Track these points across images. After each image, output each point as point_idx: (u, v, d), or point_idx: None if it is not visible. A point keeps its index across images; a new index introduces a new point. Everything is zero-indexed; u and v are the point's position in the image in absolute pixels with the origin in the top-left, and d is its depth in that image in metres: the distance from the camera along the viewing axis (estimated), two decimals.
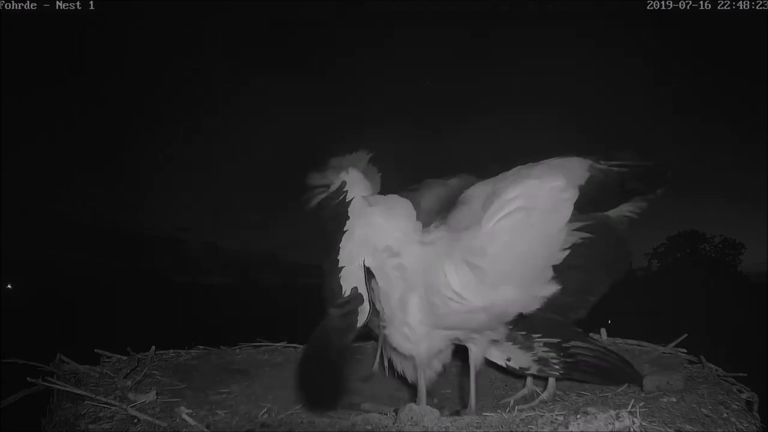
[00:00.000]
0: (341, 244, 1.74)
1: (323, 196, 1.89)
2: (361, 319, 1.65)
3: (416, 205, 1.81)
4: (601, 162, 1.67)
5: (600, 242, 1.64)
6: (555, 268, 1.51)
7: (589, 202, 1.64)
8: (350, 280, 1.69)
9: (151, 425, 1.40)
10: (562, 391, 1.89)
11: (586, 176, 1.63)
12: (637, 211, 1.77)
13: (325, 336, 1.61)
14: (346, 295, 1.66)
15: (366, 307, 1.67)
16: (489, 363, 1.92)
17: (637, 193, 1.74)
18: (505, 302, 1.49)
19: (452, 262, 1.51)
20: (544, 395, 1.85)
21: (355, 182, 1.83)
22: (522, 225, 1.40)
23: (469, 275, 1.47)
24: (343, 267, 1.70)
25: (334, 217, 1.82)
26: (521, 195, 1.41)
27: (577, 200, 1.62)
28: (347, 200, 1.81)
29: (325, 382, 1.52)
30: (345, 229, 1.76)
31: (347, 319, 1.61)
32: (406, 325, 1.66)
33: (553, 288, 1.50)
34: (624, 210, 1.76)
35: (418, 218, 1.78)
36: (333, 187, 1.87)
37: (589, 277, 1.70)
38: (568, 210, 1.42)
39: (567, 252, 1.49)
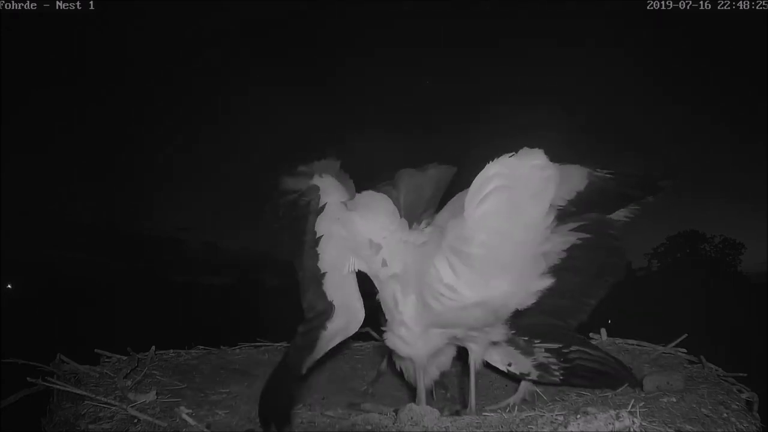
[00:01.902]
0: (320, 249, 1.70)
1: (293, 201, 1.83)
2: (353, 327, 1.64)
3: (396, 201, 1.79)
4: (599, 170, 1.69)
5: (595, 243, 1.65)
6: (549, 263, 1.50)
7: (588, 208, 1.65)
8: (336, 287, 1.66)
9: (151, 425, 1.40)
10: (562, 391, 1.89)
11: (585, 183, 1.66)
12: (631, 216, 1.80)
13: (287, 358, 1.59)
14: (333, 302, 1.63)
15: (358, 314, 1.65)
16: (489, 364, 1.92)
17: (634, 199, 1.77)
18: (499, 296, 1.47)
19: (442, 255, 1.48)
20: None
21: (329, 187, 1.78)
22: (506, 205, 1.35)
23: (460, 266, 1.45)
24: (326, 273, 1.67)
25: (295, 223, 1.77)
26: (500, 173, 1.34)
27: (576, 205, 1.62)
28: (320, 205, 1.76)
29: (276, 404, 1.49)
30: (319, 235, 1.71)
31: (307, 338, 1.56)
32: (402, 326, 1.66)
33: (547, 281, 1.48)
34: (620, 215, 1.79)
35: (401, 215, 1.77)
36: (303, 191, 1.82)
37: (587, 280, 1.71)
38: (550, 189, 1.37)
39: (557, 241, 1.49)
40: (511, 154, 1.34)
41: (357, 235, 1.72)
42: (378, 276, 1.72)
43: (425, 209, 1.81)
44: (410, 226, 1.77)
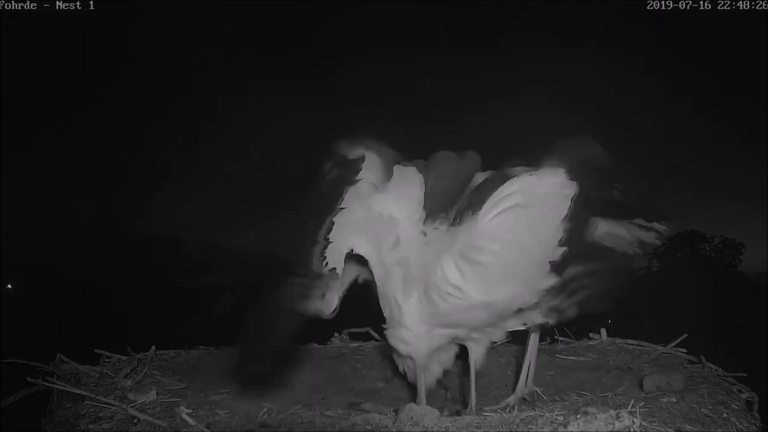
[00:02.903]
0: (335, 219, 1.67)
1: (338, 167, 1.81)
2: (329, 308, 1.61)
3: (425, 187, 1.73)
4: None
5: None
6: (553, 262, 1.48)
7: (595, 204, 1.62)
8: (334, 257, 1.63)
9: (151, 425, 1.40)
10: (561, 391, 1.89)
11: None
12: (646, 240, 1.72)
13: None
14: (326, 268, 1.60)
15: (335, 299, 1.62)
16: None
17: (638, 213, 1.70)
18: (505, 298, 1.49)
19: (450, 257, 1.49)
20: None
21: (370, 167, 1.76)
22: (520, 222, 1.39)
23: (468, 271, 1.46)
24: (330, 242, 1.64)
25: (332, 190, 1.74)
26: (519, 191, 1.39)
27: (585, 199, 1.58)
28: (354, 180, 1.74)
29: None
30: (341, 207, 1.69)
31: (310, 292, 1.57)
32: (404, 325, 1.66)
33: (552, 280, 1.49)
34: (636, 234, 1.70)
35: (424, 205, 1.70)
36: (353, 160, 1.79)
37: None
38: (566, 206, 1.40)
39: (563, 249, 1.48)
40: (533, 172, 1.36)
41: (378, 214, 1.69)
42: (383, 261, 1.68)
43: (447, 205, 1.72)
44: (427, 220, 1.70)
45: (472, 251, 1.45)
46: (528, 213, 1.38)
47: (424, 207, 1.69)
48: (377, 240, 1.69)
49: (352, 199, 1.72)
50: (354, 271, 1.78)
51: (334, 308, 1.63)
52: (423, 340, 1.66)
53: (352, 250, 1.67)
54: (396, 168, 1.79)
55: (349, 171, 1.76)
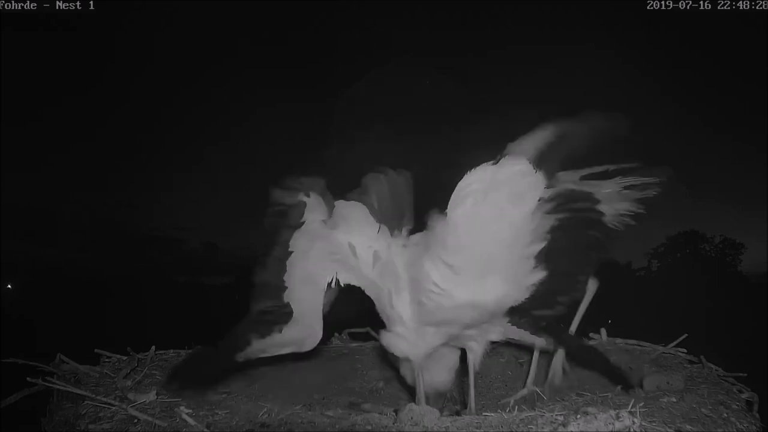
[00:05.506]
0: (289, 264, 1.73)
1: (281, 213, 1.87)
2: (309, 344, 1.68)
3: (371, 208, 1.80)
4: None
5: (574, 220, 1.55)
6: (537, 256, 1.47)
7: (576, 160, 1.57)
8: (302, 301, 1.69)
9: (151, 425, 1.40)
10: (561, 391, 1.89)
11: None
12: (633, 211, 1.73)
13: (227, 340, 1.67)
14: (294, 314, 1.67)
15: (317, 333, 1.69)
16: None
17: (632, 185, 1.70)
18: (493, 298, 1.48)
19: (429, 256, 1.51)
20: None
21: (312, 205, 1.81)
22: (481, 210, 1.37)
23: (446, 269, 1.47)
24: (292, 287, 1.71)
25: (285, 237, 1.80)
26: (476, 180, 1.37)
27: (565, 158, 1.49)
28: (301, 222, 1.79)
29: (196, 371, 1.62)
30: (291, 250, 1.75)
31: (254, 331, 1.64)
32: (399, 326, 1.67)
33: (540, 275, 1.47)
34: (620, 209, 1.72)
35: (378, 220, 1.78)
36: (293, 206, 1.85)
37: (573, 258, 1.59)
38: (533, 194, 1.37)
39: (543, 243, 1.47)
40: (492, 162, 1.36)
41: (342, 248, 1.74)
42: (370, 280, 1.73)
43: (402, 214, 1.81)
44: (392, 233, 1.77)
45: (442, 249, 1.45)
46: (490, 198, 1.36)
47: (379, 222, 1.77)
48: (354, 265, 1.74)
49: (304, 241, 1.76)
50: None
51: (319, 337, 1.71)
52: (418, 340, 1.66)
53: (330, 284, 1.73)
54: (337, 203, 1.83)
55: (292, 215, 1.81)
